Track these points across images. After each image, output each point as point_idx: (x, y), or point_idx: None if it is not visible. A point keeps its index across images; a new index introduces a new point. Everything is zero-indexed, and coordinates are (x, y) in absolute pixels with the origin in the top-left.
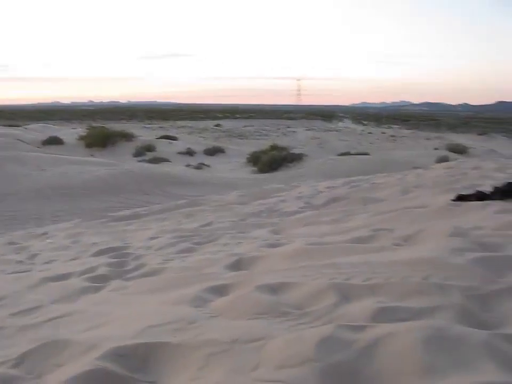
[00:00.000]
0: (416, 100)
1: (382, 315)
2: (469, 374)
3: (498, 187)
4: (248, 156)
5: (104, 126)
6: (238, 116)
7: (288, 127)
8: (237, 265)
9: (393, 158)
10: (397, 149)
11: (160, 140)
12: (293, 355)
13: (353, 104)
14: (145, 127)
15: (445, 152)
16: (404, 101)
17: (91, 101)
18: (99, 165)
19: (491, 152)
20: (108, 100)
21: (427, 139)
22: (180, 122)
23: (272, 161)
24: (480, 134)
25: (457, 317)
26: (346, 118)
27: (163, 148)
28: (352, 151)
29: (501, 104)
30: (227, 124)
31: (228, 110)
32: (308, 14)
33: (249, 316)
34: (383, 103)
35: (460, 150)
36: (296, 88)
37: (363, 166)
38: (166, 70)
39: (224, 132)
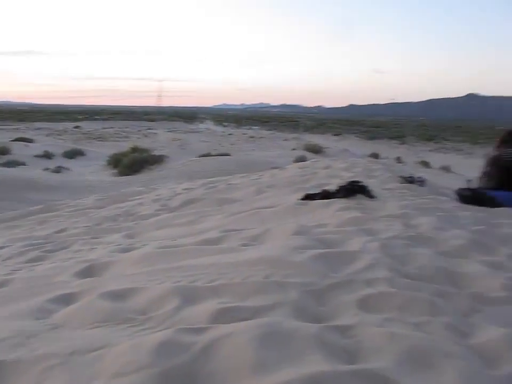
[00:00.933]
0: (274, 101)
1: (223, 316)
2: (297, 367)
3: (342, 186)
4: (109, 159)
5: None
6: (97, 117)
7: (149, 129)
8: (87, 272)
9: (253, 158)
10: (257, 150)
11: (15, 142)
12: (130, 362)
13: (214, 105)
14: None
15: (302, 152)
16: (263, 103)
17: None
18: None
19: (345, 152)
20: None
21: (285, 140)
22: (37, 124)
23: (133, 163)
24: (335, 135)
25: (293, 313)
26: (207, 119)
27: (18, 151)
28: (213, 152)
29: (353, 107)
30: (87, 125)
31: (87, 111)
32: (170, 14)
33: (92, 325)
34: (243, 104)
35: (316, 150)
36: (158, 89)
37: (224, 167)
38: (21, 68)
39: (84, 133)
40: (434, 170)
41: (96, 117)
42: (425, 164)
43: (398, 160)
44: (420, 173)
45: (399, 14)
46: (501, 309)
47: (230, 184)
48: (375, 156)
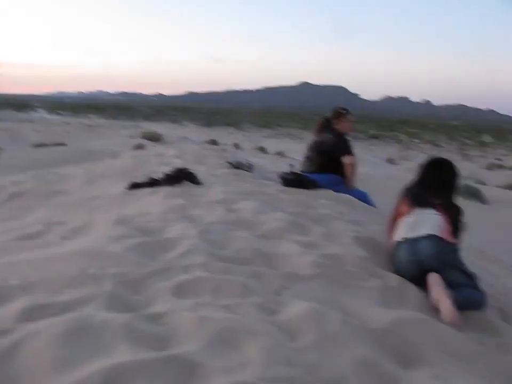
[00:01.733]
0: (112, 89)
1: (32, 314)
2: (104, 359)
3: (168, 174)
4: None
5: None
6: None
7: None
8: None
9: (91, 147)
10: (95, 139)
11: None
12: None
13: (48, 93)
14: None
15: (141, 140)
16: (101, 90)
17: None
18: None
19: (184, 139)
20: None
21: (123, 128)
22: None
23: None
24: (173, 122)
25: (107, 304)
26: (41, 107)
27: None
28: (49, 142)
29: (192, 95)
30: None
31: None
32: None
33: None
34: (80, 92)
35: (155, 138)
36: None
37: (60, 157)
38: None
39: None
40: (270, 156)
41: None
42: (262, 150)
43: (236, 146)
44: (257, 158)
45: (237, 1)
46: (308, 284)
47: (61, 175)
48: (213, 142)
